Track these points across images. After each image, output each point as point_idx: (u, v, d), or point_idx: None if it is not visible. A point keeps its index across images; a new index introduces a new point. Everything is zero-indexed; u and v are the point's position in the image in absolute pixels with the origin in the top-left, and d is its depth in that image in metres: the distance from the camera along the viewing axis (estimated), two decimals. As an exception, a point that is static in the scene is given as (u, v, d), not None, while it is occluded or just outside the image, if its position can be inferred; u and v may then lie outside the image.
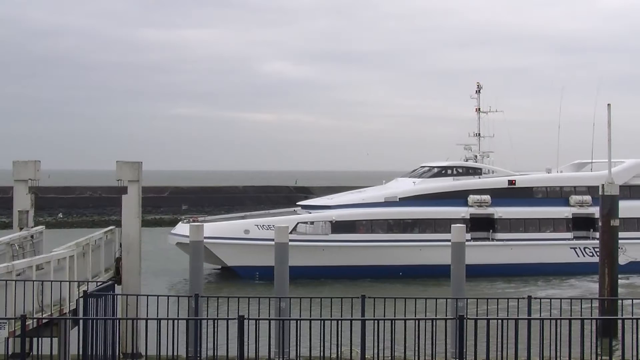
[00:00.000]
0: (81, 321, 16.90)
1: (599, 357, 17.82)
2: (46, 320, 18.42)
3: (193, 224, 51.86)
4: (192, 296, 20.76)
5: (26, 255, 22.18)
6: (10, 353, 20.05)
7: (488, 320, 15.84)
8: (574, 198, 54.67)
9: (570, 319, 16.31)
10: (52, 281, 18.68)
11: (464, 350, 15.32)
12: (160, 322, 16.08)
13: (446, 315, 19.62)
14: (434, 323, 16.26)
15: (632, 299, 22.80)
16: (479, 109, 60.41)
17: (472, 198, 52.92)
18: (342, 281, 47.54)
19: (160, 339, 16.07)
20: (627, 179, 55.75)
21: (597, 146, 54.40)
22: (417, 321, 16.48)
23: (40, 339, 19.12)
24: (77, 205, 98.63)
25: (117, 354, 18.75)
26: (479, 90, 60.67)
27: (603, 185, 33.36)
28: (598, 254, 52.77)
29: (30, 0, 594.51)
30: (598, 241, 52.92)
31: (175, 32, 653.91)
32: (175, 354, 16.82)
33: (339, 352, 16.40)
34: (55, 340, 18.73)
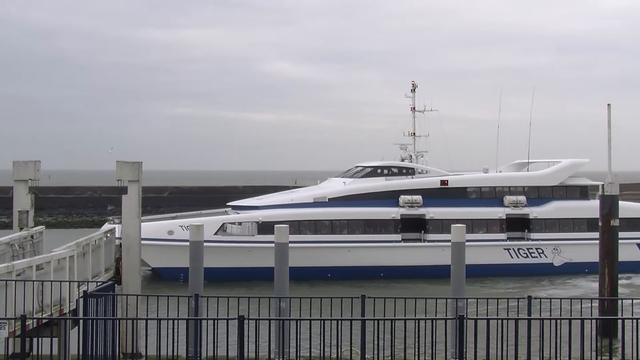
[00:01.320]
0: (81, 321, 16.90)
1: (599, 357, 17.83)
2: (46, 320, 18.42)
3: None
4: (192, 296, 20.76)
5: (26, 255, 22.19)
6: (10, 353, 20.04)
7: (488, 320, 15.84)
8: (508, 198, 53.78)
9: (570, 319, 16.31)
10: (52, 281, 18.69)
11: (464, 350, 15.31)
12: (160, 322, 16.08)
13: (446, 315, 19.61)
14: (434, 323, 16.25)
15: (632, 299, 22.78)
16: (414, 107, 59.51)
17: (403, 198, 51.95)
18: (341, 281, 47.47)
19: (160, 339, 16.07)
20: (563, 179, 55.31)
21: (534, 146, 53.74)
22: (417, 321, 16.47)
23: (40, 339, 19.12)
24: (77, 205, 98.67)
25: (117, 354, 18.76)
26: (414, 89, 59.66)
27: (603, 185, 33.29)
28: (532, 255, 53.31)
29: (31, 1, 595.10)
30: (532, 242, 53.12)
31: (176, 32, 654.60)
32: (175, 354, 16.82)
33: (339, 352, 16.39)
34: (55, 340, 18.71)
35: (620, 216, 53.72)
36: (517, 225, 53.82)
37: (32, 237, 23.97)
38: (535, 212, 53.65)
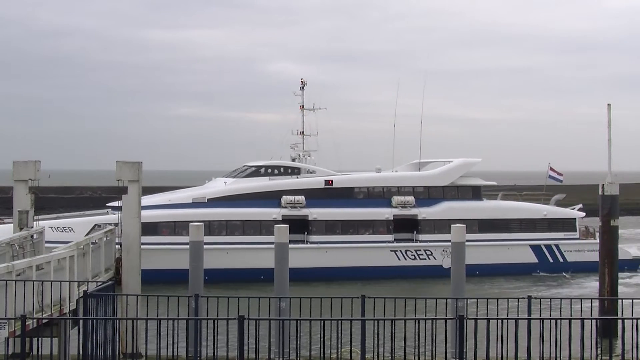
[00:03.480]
0: (81, 321, 16.90)
1: (599, 357, 17.82)
2: (46, 320, 18.42)
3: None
4: (192, 296, 20.76)
5: (26, 255, 22.20)
6: (10, 353, 20.06)
7: (488, 320, 15.83)
8: (395, 199, 52.20)
9: (570, 319, 16.30)
10: (52, 281, 18.69)
11: (464, 350, 15.31)
12: (160, 322, 16.07)
13: (446, 315, 19.60)
14: (434, 323, 16.25)
15: (632, 299, 22.76)
16: (303, 106, 58.46)
17: (285, 199, 50.52)
18: (341, 281, 47.43)
19: (160, 339, 16.06)
20: (454, 179, 54.19)
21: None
22: (417, 321, 16.46)
23: (40, 339, 19.13)
24: (77, 205, 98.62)
25: (117, 354, 18.77)
26: (303, 87, 58.72)
27: (603, 185, 33.17)
28: (420, 257, 51.70)
29: (35, 1, 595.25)
30: (420, 243, 51.52)
31: (179, 32, 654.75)
32: (175, 354, 16.82)
33: (339, 352, 16.39)
34: (55, 340, 18.73)
35: (514, 217, 53.79)
36: (407, 226, 52.35)
37: (32, 237, 23.99)
38: (424, 212, 52.18)
